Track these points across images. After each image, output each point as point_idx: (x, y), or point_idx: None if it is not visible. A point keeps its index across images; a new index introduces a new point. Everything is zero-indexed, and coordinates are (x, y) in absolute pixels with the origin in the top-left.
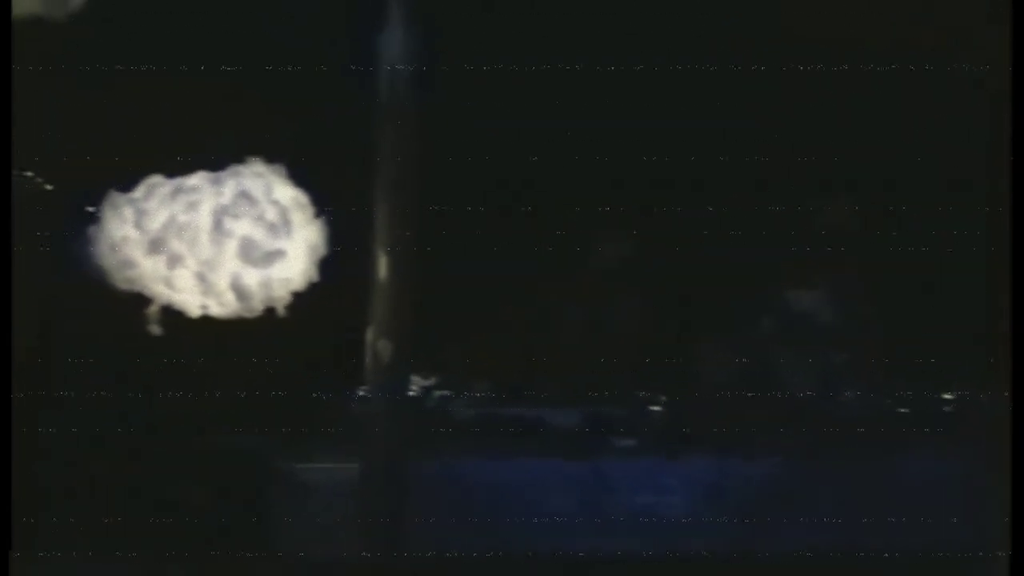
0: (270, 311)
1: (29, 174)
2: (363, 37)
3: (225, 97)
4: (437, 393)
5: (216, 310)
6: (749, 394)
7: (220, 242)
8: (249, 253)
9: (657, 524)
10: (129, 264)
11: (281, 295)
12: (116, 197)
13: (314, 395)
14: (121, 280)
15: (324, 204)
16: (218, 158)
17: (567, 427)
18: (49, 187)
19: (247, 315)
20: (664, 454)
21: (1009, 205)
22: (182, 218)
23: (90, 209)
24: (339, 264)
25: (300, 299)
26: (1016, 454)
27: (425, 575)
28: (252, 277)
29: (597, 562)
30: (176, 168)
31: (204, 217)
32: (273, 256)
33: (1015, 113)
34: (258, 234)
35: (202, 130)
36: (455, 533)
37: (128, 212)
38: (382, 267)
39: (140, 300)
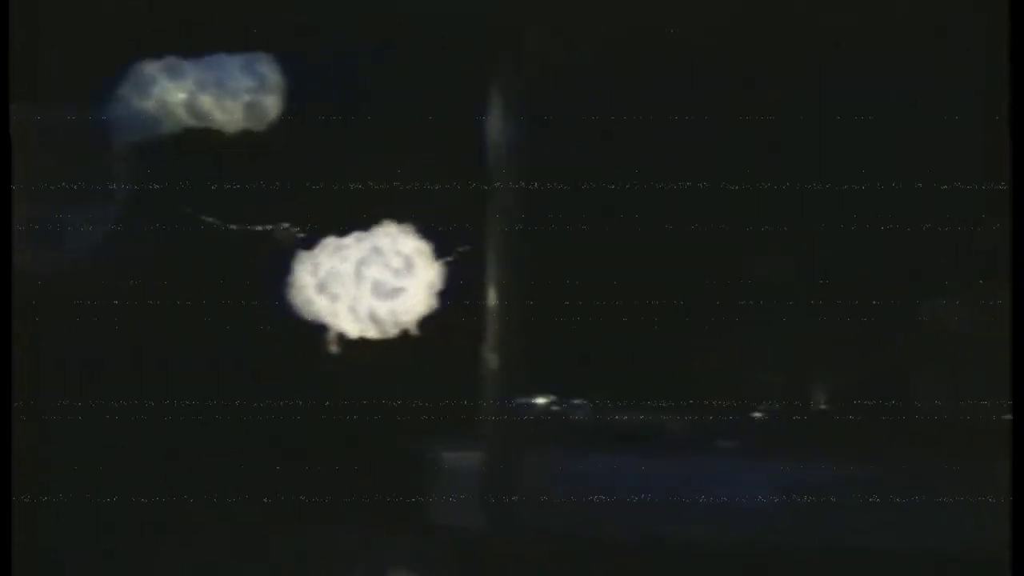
0: (404, 333)
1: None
2: (473, 121)
3: (379, 178)
4: (538, 398)
5: (367, 333)
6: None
7: (360, 284)
8: (379, 291)
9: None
10: (309, 301)
11: (407, 320)
12: (302, 254)
13: (441, 398)
14: (306, 313)
15: (443, 250)
16: (369, 222)
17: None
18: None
19: (386, 336)
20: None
21: None
22: (339, 267)
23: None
24: (457, 296)
25: (425, 323)
26: (1016, 455)
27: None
28: (383, 308)
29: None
30: (341, 231)
31: (350, 266)
32: (397, 292)
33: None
34: (386, 276)
35: (362, 203)
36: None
37: (308, 264)
38: (491, 296)
39: (321, 327)
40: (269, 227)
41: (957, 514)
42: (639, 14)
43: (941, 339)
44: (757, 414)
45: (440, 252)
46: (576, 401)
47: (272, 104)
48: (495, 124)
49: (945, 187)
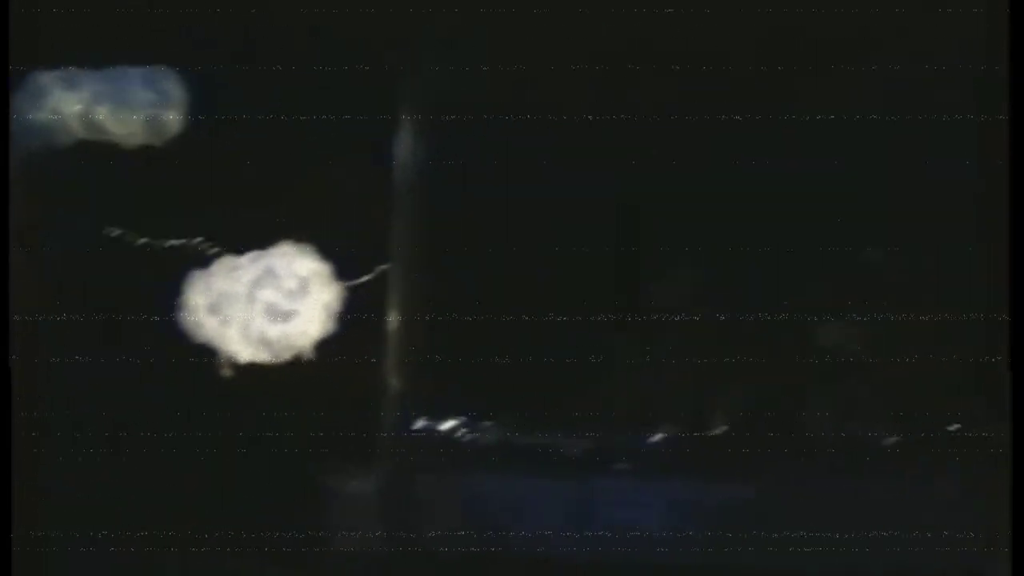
0: (298, 357)
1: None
2: (380, 141)
3: (282, 195)
4: (438, 421)
5: (258, 357)
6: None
7: (252, 306)
8: (272, 313)
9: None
10: (199, 324)
11: (302, 344)
12: (194, 273)
13: (336, 422)
14: (196, 336)
15: (344, 272)
16: (267, 242)
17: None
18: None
19: (279, 360)
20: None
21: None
22: (231, 288)
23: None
24: (357, 319)
25: (323, 347)
26: (1016, 455)
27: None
28: (275, 331)
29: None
30: (239, 248)
31: (243, 287)
32: (290, 315)
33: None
34: (278, 299)
35: (262, 222)
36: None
37: (200, 284)
38: (393, 319)
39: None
40: (177, 242)
41: (850, 533)
42: (549, 38)
43: (834, 362)
44: (656, 437)
45: (341, 274)
46: (481, 423)
47: (173, 119)
48: (402, 147)
49: (839, 212)
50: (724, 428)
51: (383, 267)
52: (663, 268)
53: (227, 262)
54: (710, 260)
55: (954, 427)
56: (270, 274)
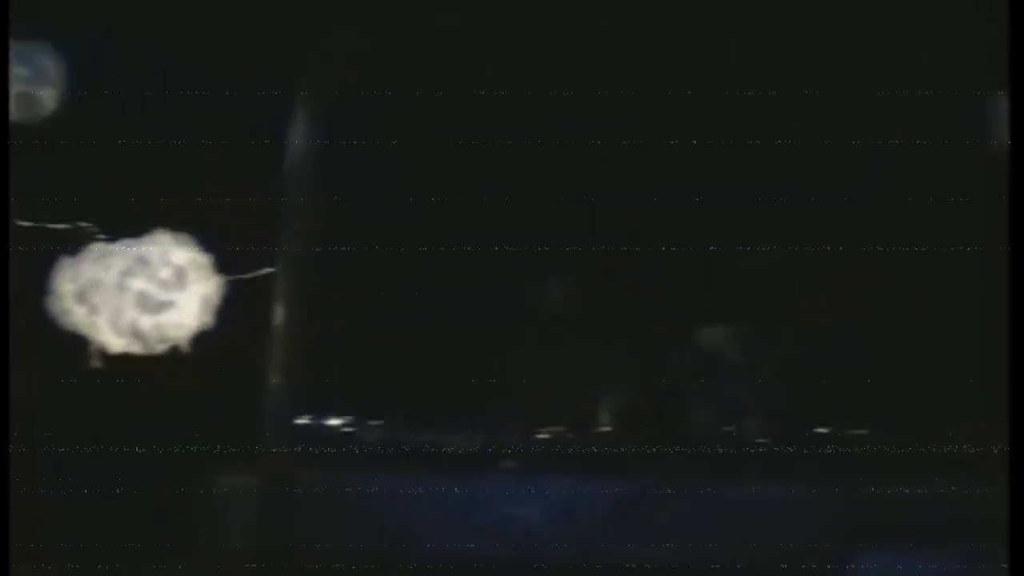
0: (175, 349)
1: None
2: (276, 136)
3: (164, 182)
4: (323, 418)
5: (130, 348)
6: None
7: (122, 295)
8: (144, 303)
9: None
10: (66, 312)
11: (176, 336)
12: (63, 258)
13: (215, 419)
14: (63, 323)
15: (227, 264)
16: (143, 227)
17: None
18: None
19: (152, 352)
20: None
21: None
22: (99, 276)
23: None
24: (239, 313)
25: (201, 340)
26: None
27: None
28: (147, 322)
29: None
30: (113, 235)
31: (112, 275)
32: (164, 305)
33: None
34: (151, 288)
35: (143, 209)
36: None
37: (68, 272)
38: (278, 314)
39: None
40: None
41: (731, 530)
42: (457, 25)
43: (715, 364)
44: (543, 435)
45: (223, 266)
46: (368, 422)
47: (48, 97)
48: (297, 136)
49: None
50: (609, 427)
51: (270, 264)
52: (552, 269)
53: (97, 248)
54: (602, 262)
55: (823, 429)
56: (143, 263)
